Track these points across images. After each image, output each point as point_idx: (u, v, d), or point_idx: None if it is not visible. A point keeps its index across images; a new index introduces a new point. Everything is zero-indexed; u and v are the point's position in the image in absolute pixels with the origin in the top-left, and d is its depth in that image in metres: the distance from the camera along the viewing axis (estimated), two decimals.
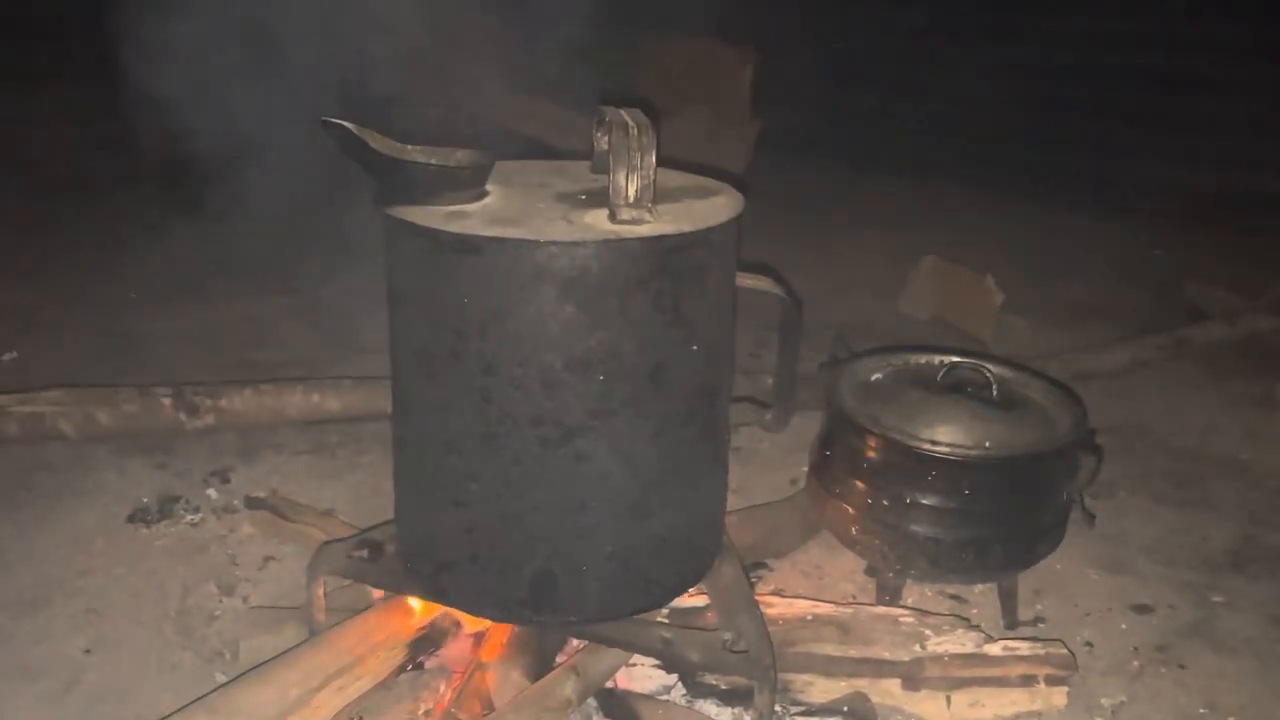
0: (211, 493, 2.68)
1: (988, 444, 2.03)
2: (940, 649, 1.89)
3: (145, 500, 2.63)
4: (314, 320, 3.90)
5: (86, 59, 5.31)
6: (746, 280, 1.71)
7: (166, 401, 2.89)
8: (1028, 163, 6.27)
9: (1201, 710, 2.02)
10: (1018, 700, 1.89)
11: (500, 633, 1.80)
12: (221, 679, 1.96)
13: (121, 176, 5.61)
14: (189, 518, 2.57)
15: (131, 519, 2.55)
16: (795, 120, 6.50)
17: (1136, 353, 3.69)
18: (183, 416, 2.90)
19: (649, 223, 1.51)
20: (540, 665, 1.80)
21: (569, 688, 1.70)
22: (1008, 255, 4.83)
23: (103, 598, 2.25)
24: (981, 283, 3.88)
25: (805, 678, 1.88)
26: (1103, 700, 2.02)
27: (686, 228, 1.51)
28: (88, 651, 2.07)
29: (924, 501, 2.03)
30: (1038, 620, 2.27)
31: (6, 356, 3.51)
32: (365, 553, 1.86)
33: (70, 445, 2.85)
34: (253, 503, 2.51)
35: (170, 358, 3.55)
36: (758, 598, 1.88)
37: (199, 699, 1.68)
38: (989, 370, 2.19)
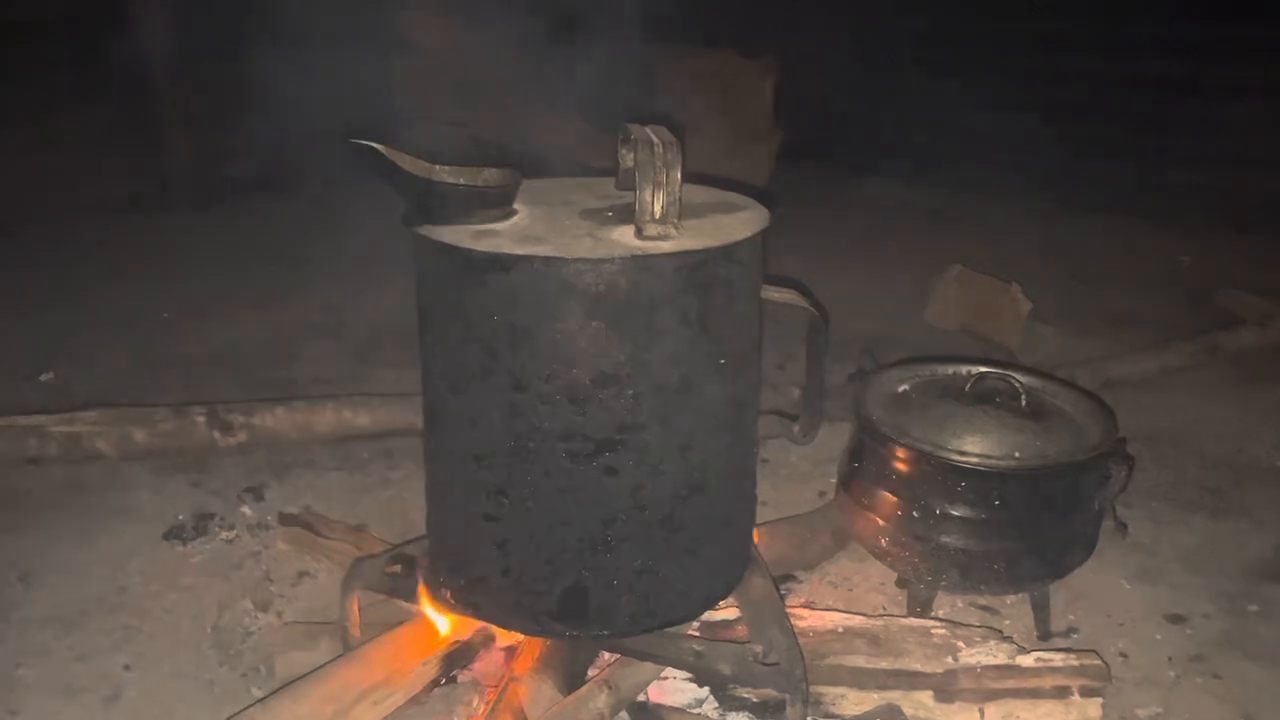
0: (246, 510, 2.72)
1: (1017, 454, 2.02)
2: (973, 660, 1.88)
3: (181, 518, 2.67)
4: (344, 336, 3.95)
5: (117, 82, 5.44)
6: (773, 293, 1.72)
7: (201, 420, 2.94)
8: (1053, 169, 6.23)
9: None
10: (1052, 712, 1.87)
11: (532, 646, 1.82)
12: (257, 694, 1.98)
13: (153, 197, 5.71)
14: (224, 535, 2.60)
15: (168, 536, 2.59)
16: (816, 130, 6.50)
17: (1167, 359, 3.65)
18: (217, 435, 2.94)
19: (675, 239, 1.52)
20: (573, 679, 1.81)
21: (601, 701, 1.71)
22: (1034, 263, 4.81)
23: (141, 615, 2.28)
24: (1008, 291, 3.87)
25: (837, 690, 1.88)
26: (1138, 711, 2.00)
27: (712, 243, 1.53)
28: (127, 668, 2.11)
29: (954, 512, 2.02)
30: (1071, 631, 2.26)
31: (44, 377, 3.57)
32: (398, 568, 1.88)
33: (107, 464, 2.90)
34: (286, 519, 2.54)
35: (203, 376, 3.60)
36: (788, 610, 1.88)
37: (235, 715, 1.70)
38: (1017, 380, 2.19)
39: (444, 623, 1.87)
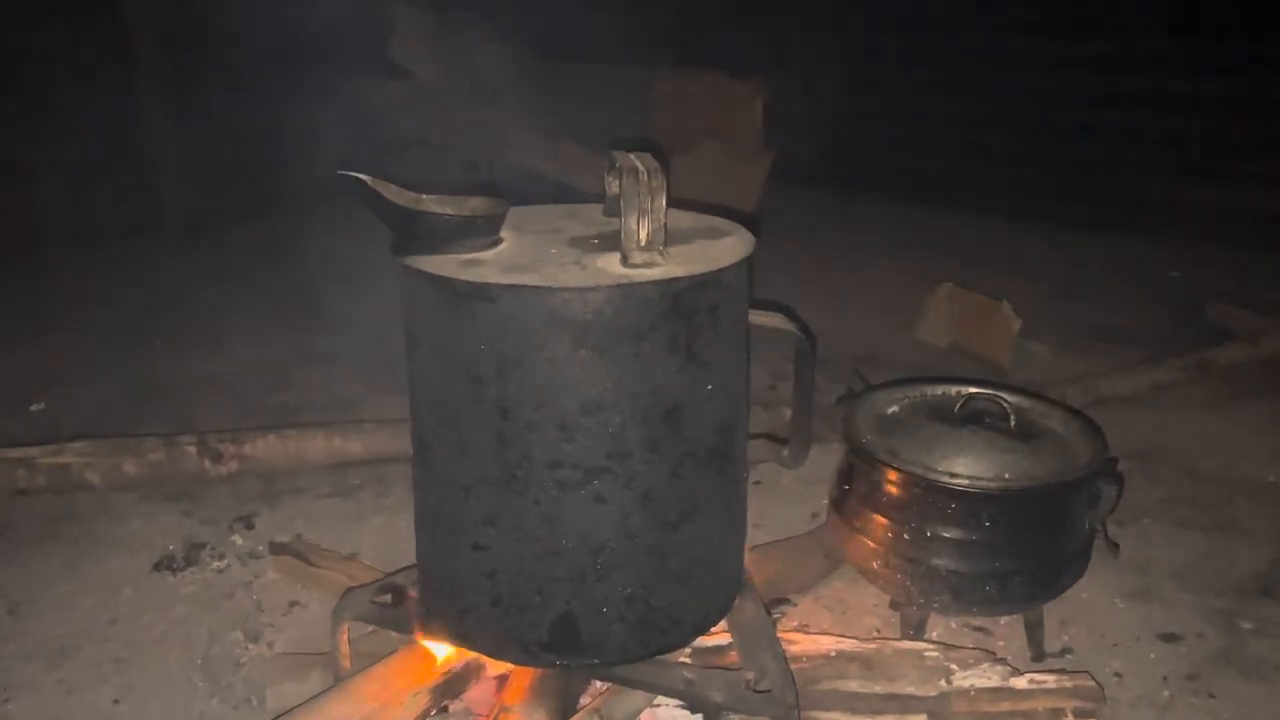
0: (236, 539, 2.71)
1: (1007, 475, 2.02)
2: (966, 683, 1.88)
3: (171, 548, 2.66)
4: (334, 363, 3.94)
5: (106, 109, 5.45)
6: (759, 318, 1.72)
7: (191, 449, 2.93)
8: (1040, 186, 6.27)
9: None
10: None
11: (523, 676, 1.80)
12: None
13: (142, 226, 5.71)
14: (215, 564, 2.59)
15: (158, 567, 2.58)
16: (805, 149, 6.54)
17: (1158, 375, 3.66)
18: (207, 464, 2.93)
19: (661, 265, 1.53)
20: (564, 708, 1.80)
21: None
22: (1024, 280, 4.83)
23: (130, 646, 2.27)
24: (998, 309, 3.88)
25: (830, 716, 1.87)
26: None
27: (698, 270, 1.53)
28: (116, 701, 2.09)
29: (945, 534, 2.02)
30: (1065, 651, 2.25)
31: (34, 408, 3.56)
32: (388, 598, 1.87)
33: (97, 494, 2.88)
34: (277, 548, 2.53)
35: (193, 404, 3.59)
36: (780, 634, 1.87)
37: None
38: (1006, 401, 2.19)
39: (435, 653, 1.86)
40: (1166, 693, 2.12)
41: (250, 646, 2.26)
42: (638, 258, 1.52)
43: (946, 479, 2.00)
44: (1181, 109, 5.80)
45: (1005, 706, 1.85)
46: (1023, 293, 4.17)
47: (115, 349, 4.12)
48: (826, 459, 2.37)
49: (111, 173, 5.58)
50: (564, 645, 1.64)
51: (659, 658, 1.72)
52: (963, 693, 1.86)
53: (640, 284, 1.48)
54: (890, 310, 4.53)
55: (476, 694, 1.91)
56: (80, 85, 5.24)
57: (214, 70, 5.67)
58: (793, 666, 1.73)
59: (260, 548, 2.64)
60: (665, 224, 1.55)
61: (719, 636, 1.88)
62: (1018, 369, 3.73)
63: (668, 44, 6.49)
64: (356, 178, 1.50)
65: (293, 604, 2.41)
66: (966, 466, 2.04)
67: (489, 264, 1.54)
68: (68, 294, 4.85)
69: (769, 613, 1.95)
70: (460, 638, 1.73)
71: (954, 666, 1.91)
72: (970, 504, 1.99)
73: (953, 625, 2.32)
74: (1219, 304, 4.40)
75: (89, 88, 5.25)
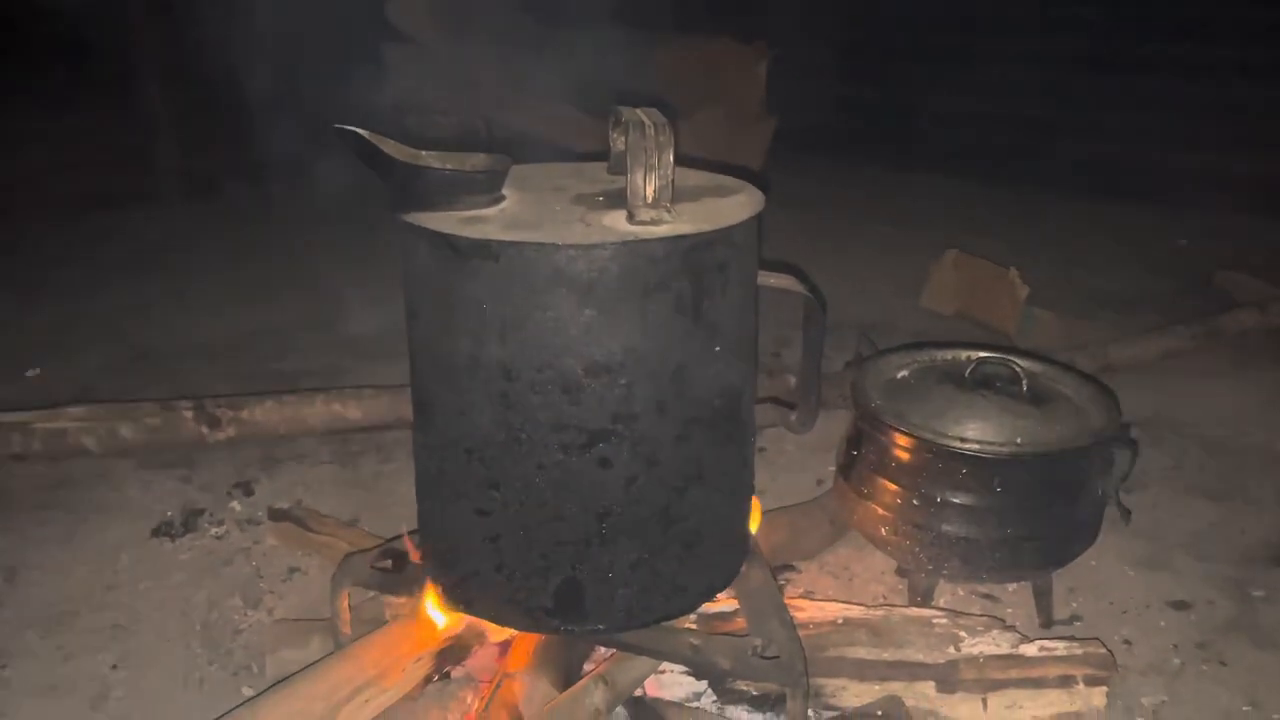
0: (235, 505, 2.68)
1: (1019, 440, 1.99)
2: (975, 650, 1.85)
3: (169, 514, 2.63)
4: (334, 329, 3.90)
5: (103, 75, 5.38)
6: (769, 279, 1.68)
7: (188, 415, 2.89)
8: (1048, 154, 6.20)
9: (1245, 708, 1.97)
10: (1056, 701, 1.84)
11: (527, 642, 1.78)
12: (248, 693, 1.95)
13: (140, 191, 5.66)
14: (213, 531, 2.56)
15: (156, 533, 2.55)
16: (810, 116, 6.46)
17: (1166, 343, 3.62)
18: (205, 429, 2.90)
19: (668, 223, 1.48)
20: (568, 674, 1.78)
21: (597, 697, 1.68)
22: (1030, 247, 4.78)
23: (129, 613, 2.25)
24: (1005, 276, 3.83)
25: (837, 682, 1.85)
26: (1143, 700, 1.98)
27: (706, 227, 1.48)
28: (114, 667, 2.07)
29: (955, 500, 1.99)
30: (1074, 619, 2.23)
31: (30, 373, 3.52)
32: (389, 564, 1.84)
33: (94, 460, 2.85)
34: (276, 514, 2.50)
35: (192, 370, 3.56)
36: (787, 601, 1.84)
37: (226, 713, 1.66)
38: (1018, 365, 2.15)
39: (437, 619, 1.83)
40: (1177, 660, 2.10)
41: (249, 613, 2.24)
42: (644, 215, 1.48)
43: (957, 443, 1.96)
44: (1189, 75, 5.73)
45: (1014, 673, 1.83)
46: (1029, 261, 4.12)
47: (112, 316, 4.08)
48: (832, 426, 2.34)
49: (109, 137, 5.52)
50: (568, 611, 1.61)
51: (664, 624, 1.69)
52: (971, 660, 1.84)
53: (647, 241, 1.43)
54: (895, 278, 4.48)
55: (479, 660, 1.88)
56: (75, 48, 5.16)
57: (210, 34, 5.58)
58: (800, 634, 1.71)
59: (259, 514, 2.61)
60: (672, 180, 1.50)
61: (725, 603, 1.85)
62: (1024, 336, 3.69)
63: (670, 8, 6.40)
64: (355, 132, 1.45)
65: (292, 570, 2.39)
66: (977, 431, 2.00)
67: (491, 221, 1.50)
68: (63, 260, 4.80)
69: (776, 579, 1.92)
70: (463, 603, 1.70)
71: (962, 633, 1.89)
72: (981, 469, 1.96)
73: (960, 593, 2.30)
74: (1228, 271, 4.35)
75: (83, 50, 5.18)
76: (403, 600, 1.88)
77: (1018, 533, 1.99)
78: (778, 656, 1.63)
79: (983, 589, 2.30)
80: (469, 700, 1.83)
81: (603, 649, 1.86)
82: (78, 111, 5.34)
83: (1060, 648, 1.88)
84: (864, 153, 6.82)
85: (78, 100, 5.30)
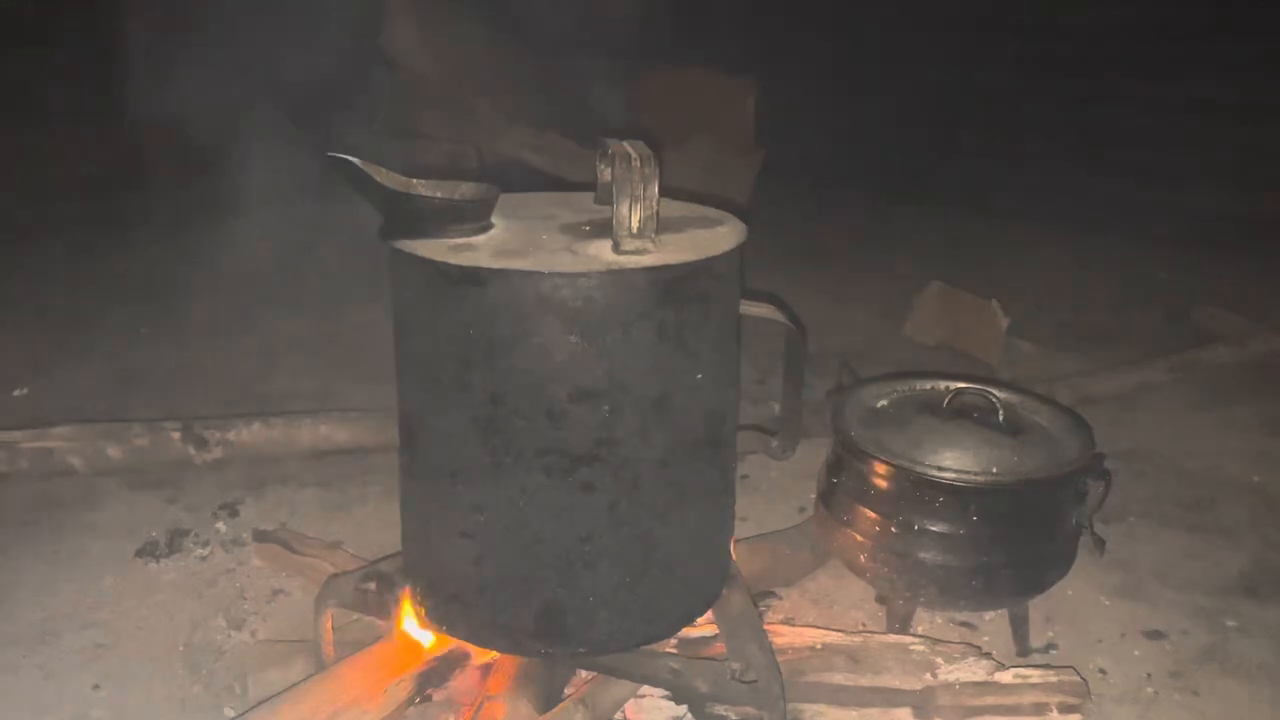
0: (220, 526, 2.69)
1: (994, 469, 2.02)
2: (951, 677, 1.88)
3: (154, 534, 2.64)
4: (321, 351, 3.92)
5: (90, 89, 5.40)
6: (751, 308, 1.72)
7: (175, 435, 2.90)
8: (1029, 186, 6.28)
9: None
10: None
11: (508, 664, 1.80)
12: (230, 714, 1.96)
13: (130, 212, 5.67)
14: (198, 552, 2.57)
15: (141, 553, 2.56)
16: (797, 147, 6.53)
17: (1145, 376, 3.67)
18: (191, 450, 2.91)
19: (652, 253, 1.52)
20: (549, 697, 1.79)
21: (578, 719, 1.69)
22: (1012, 279, 4.84)
23: (112, 632, 2.25)
24: (987, 308, 3.88)
25: (815, 707, 1.87)
26: None
27: (690, 257, 1.52)
28: (96, 687, 2.07)
29: (932, 528, 2.02)
30: (1050, 647, 2.25)
31: (17, 392, 3.53)
32: (373, 585, 1.86)
33: (80, 480, 2.86)
34: (261, 536, 2.51)
35: (179, 391, 3.56)
36: (766, 626, 1.87)
37: None
38: (995, 395, 2.19)
39: (419, 640, 1.84)
40: (1150, 690, 2.12)
41: (233, 634, 2.25)
42: (629, 244, 1.51)
43: (934, 472, 2.00)
44: (1170, 112, 5.82)
45: (990, 700, 1.86)
46: (1011, 292, 4.17)
47: (100, 335, 4.09)
48: (814, 453, 2.37)
49: (94, 155, 5.52)
50: (550, 634, 1.63)
51: (645, 647, 1.71)
52: (948, 687, 1.87)
53: (631, 270, 1.47)
54: (879, 308, 4.53)
55: (461, 682, 1.90)
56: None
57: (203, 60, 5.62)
58: (778, 659, 1.73)
59: (244, 535, 2.62)
60: (657, 211, 1.54)
61: (706, 628, 1.87)
62: (1006, 367, 3.74)
63: (660, 39, 6.47)
64: (347, 160, 1.48)
65: (276, 592, 2.40)
66: (954, 460, 2.04)
67: (479, 248, 1.53)
68: (50, 279, 4.81)
69: (756, 605, 1.95)
70: (445, 625, 1.72)
71: (939, 660, 1.92)
72: (957, 498, 1.99)
73: (938, 620, 2.32)
74: (1206, 306, 4.41)
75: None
76: (386, 622, 1.90)
77: (993, 560, 2.02)
78: (756, 681, 1.65)
79: (960, 617, 2.33)
80: None
81: (583, 672, 1.88)
82: (60, 125, 5.35)
83: (1035, 675, 1.90)
84: (850, 183, 6.89)
85: (59, 114, 5.31)
